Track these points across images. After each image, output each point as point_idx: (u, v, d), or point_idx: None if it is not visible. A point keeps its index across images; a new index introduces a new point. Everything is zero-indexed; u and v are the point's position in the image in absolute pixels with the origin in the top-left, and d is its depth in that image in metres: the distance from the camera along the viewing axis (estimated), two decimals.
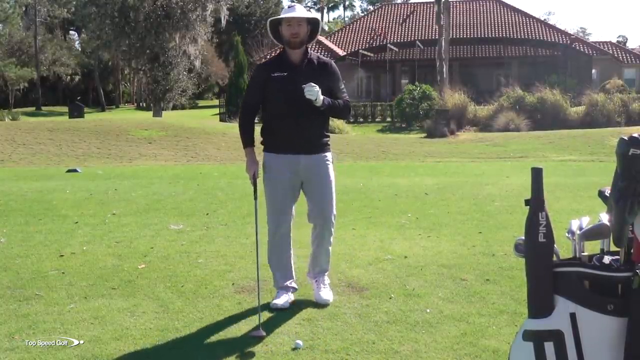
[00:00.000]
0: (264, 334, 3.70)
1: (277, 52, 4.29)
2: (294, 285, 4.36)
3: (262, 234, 4.28)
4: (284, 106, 4.09)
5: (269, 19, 4.19)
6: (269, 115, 4.21)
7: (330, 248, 4.38)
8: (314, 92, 3.93)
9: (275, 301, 4.20)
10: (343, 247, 5.75)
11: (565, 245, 2.86)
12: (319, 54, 4.25)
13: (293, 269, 4.40)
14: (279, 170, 4.16)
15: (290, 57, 4.13)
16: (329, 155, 4.26)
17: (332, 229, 4.31)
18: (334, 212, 4.26)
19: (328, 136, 4.30)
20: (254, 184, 4.17)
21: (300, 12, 4.09)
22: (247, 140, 4.22)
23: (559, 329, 2.52)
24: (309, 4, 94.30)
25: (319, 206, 4.21)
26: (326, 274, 4.41)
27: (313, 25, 4.14)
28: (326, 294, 4.30)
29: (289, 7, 4.17)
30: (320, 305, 4.20)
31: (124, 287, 4.70)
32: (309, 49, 4.18)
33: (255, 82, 4.23)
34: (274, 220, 4.24)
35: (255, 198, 4.19)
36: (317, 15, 4.23)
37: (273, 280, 4.39)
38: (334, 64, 4.28)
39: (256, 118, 4.31)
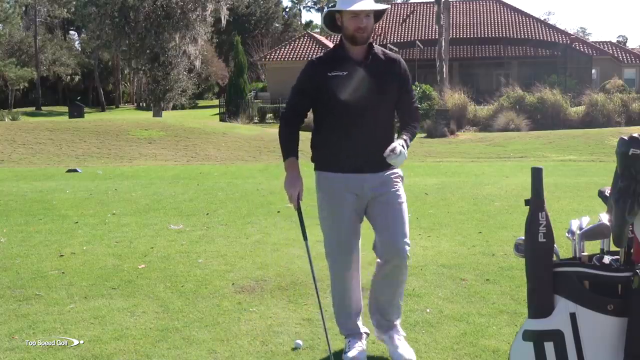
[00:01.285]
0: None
1: (334, 46, 3.45)
2: (365, 330, 3.53)
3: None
4: (343, 113, 3.27)
5: (327, 10, 3.31)
6: (323, 124, 3.37)
7: (403, 291, 3.47)
8: (400, 161, 3.09)
9: (348, 354, 3.35)
10: None
11: (565, 245, 2.86)
12: (383, 47, 3.42)
13: (362, 311, 3.56)
14: (339, 196, 3.32)
15: (350, 53, 3.28)
16: (399, 171, 3.40)
17: (406, 262, 3.33)
18: (408, 241, 3.31)
19: None
20: (299, 211, 3.30)
21: (368, 3, 3.22)
22: (290, 148, 3.32)
23: (559, 329, 2.52)
24: (309, 4, 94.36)
25: (389, 236, 3.27)
26: (398, 321, 3.48)
27: (377, 15, 3.32)
28: (406, 349, 3.35)
29: None
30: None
31: (124, 287, 4.70)
32: (373, 42, 3.35)
33: (306, 81, 3.33)
34: (337, 260, 3.38)
35: (305, 238, 3.30)
36: (387, 6, 3.39)
37: (338, 325, 3.54)
38: (403, 60, 3.42)
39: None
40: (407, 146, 3.19)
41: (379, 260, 3.38)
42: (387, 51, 3.41)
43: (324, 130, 3.36)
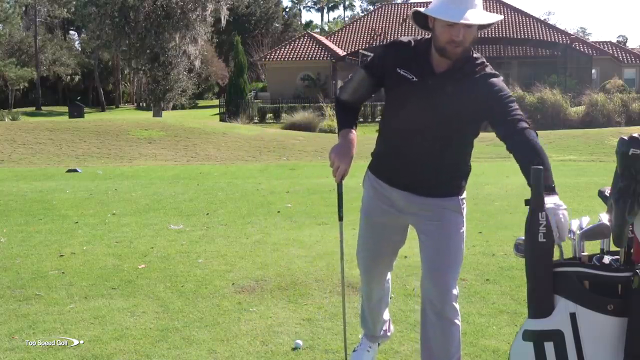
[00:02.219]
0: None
1: (422, 38, 2.75)
2: (382, 334, 3.29)
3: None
4: (397, 125, 2.79)
5: (415, 10, 2.64)
6: (381, 131, 2.93)
7: (455, 349, 2.84)
8: (564, 224, 2.39)
9: (355, 352, 3.27)
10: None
11: (565, 245, 2.86)
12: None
13: (385, 316, 3.27)
14: (379, 199, 2.91)
15: (432, 58, 2.65)
16: (460, 199, 2.83)
17: (454, 311, 2.79)
18: (456, 287, 2.80)
19: (464, 177, 2.86)
20: (339, 188, 2.91)
21: (476, 14, 2.52)
22: (344, 120, 2.86)
23: (559, 329, 2.52)
24: (309, 4, 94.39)
25: (432, 272, 2.79)
26: None
27: (482, 25, 2.61)
28: None
29: None
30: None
31: (124, 287, 4.70)
32: (471, 52, 2.65)
33: (372, 66, 2.80)
34: (361, 259, 3.06)
35: (341, 219, 3.02)
36: (499, 17, 2.63)
37: (361, 321, 3.30)
38: (499, 80, 2.64)
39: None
40: (552, 178, 2.49)
41: (422, 304, 2.86)
42: (486, 68, 2.65)
43: (380, 139, 2.92)
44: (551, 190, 2.50)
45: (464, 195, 2.84)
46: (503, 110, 2.57)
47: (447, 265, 2.80)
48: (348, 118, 2.87)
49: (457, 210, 2.81)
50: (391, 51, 2.74)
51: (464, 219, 2.85)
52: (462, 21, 2.47)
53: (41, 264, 5.39)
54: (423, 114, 2.66)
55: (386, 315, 3.25)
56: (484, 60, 2.67)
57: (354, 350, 3.29)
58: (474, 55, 2.66)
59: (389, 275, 3.14)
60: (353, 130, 2.82)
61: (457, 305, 2.80)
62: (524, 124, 2.54)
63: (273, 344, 3.59)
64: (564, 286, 2.54)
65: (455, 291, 2.78)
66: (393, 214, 2.88)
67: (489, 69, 2.66)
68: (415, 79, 2.65)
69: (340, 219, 3.01)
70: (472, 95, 2.61)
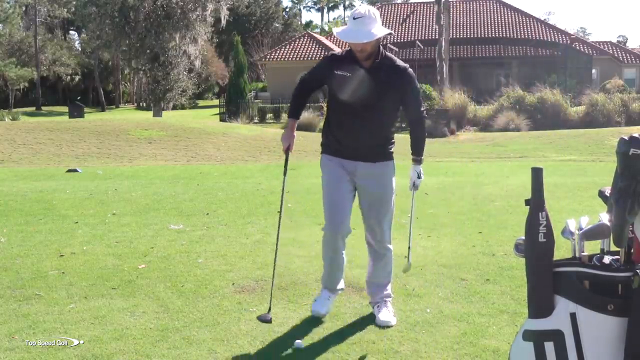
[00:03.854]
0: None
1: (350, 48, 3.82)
2: (341, 286, 4.10)
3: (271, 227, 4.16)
4: (341, 110, 3.80)
5: (337, 34, 3.75)
6: (329, 117, 3.95)
7: (391, 269, 4.09)
8: (416, 176, 3.89)
9: (315, 302, 4.03)
10: None
11: (565, 245, 2.86)
12: (393, 55, 3.85)
13: (342, 272, 4.09)
14: (335, 169, 3.91)
15: (358, 57, 3.73)
16: (391, 164, 3.95)
17: (389, 249, 4.02)
18: (390, 234, 4.00)
19: (392, 143, 3.98)
20: (286, 158, 3.98)
21: (364, 34, 3.58)
22: (292, 110, 3.95)
23: (559, 329, 2.52)
24: (309, 4, 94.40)
25: (371, 224, 3.93)
26: (388, 289, 4.08)
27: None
28: (386, 315, 3.91)
29: (354, 17, 3.65)
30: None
31: (124, 287, 4.70)
32: (381, 51, 3.76)
33: (318, 68, 3.93)
34: (330, 213, 3.90)
35: (285, 173, 4.03)
36: (386, 31, 3.68)
37: (322, 277, 4.13)
38: (409, 71, 3.78)
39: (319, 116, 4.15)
40: (422, 154, 3.91)
41: (366, 245, 4.02)
42: (396, 61, 3.75)
43: (328, 122, 3.93)
44: (417, 162, 3.93)
45: (393, 159, 3.94)
46: (411, 98, 3.80)
47: (383, 214, 3.90)
48: (294, 110, 3.95)
49: (391, 171, 3.91)
50: (326, 62, 3.88)
51: (394, 178, 3.94)
52: (354, 41, 3.61)
53: (41, 264, 5.38)
54: (358, 99, 3.68)
55: (342, 272, 4.08)
56: (396, 58, 3.78)
57: (314, 301, 4.02)
58: (387, 54, 3.76)
59: (347, 238, 3.97)
60: (294, 121, 3.93)
61: (390, 246, 4.00)
62: (423, 114, 3.90)
63: (273, 344, 3.59)
64: (564, 286, 2.54)
65: (388, 233, 3.94)
66: (345, 175, 3.85)
67: (401, 63, 3.76)
68: (348, 74, 3.68)
69: (284, 174, 4.01)
70: (390, 82, 3.69)
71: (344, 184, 3.86)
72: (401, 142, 4.57)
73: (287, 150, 3.90)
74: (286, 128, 3.93)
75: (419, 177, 3.92)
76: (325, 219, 3.93)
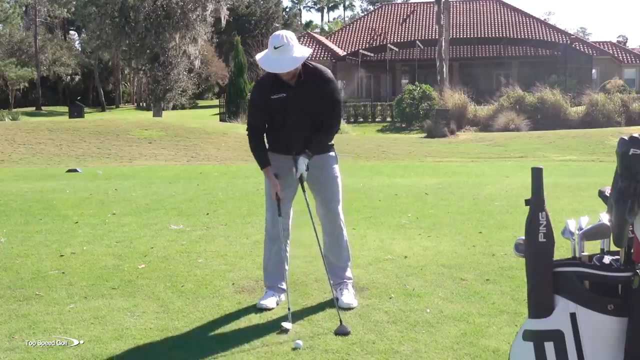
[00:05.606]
0: (290, 327, 3.78)
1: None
2: (283, 286, 4.30)
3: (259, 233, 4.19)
4: (281, 121, 4.17)
5: (261, 64, 4.03)
6: (270, 126, 4.28)
7: (347, 245, 4.39)
8: (304, 168, 4.11)
9: (261, 301, 4.22)
10: None
11: (565, 245, 2.86)
12: (312, 60, 4.19)
13: (286, 270, 4.33)
14: (279, 169, 4.21)
15: (285, 78, 4.07)
16: (332, 153, 4.35)
17: (341, 228, 4.33)
18: (340, 205, 4.32)
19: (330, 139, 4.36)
20: (278, 205, 4.19)
21: (288, 61, 3.93)
22: (263, 161, 4.21)
23: (559, 329, 2.52)
24: (309, 4, 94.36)
25: (324, 201, 4.30)
26: (348, 271, 4.40)
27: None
28: (348, 297, 4.24)
29: (275, 46, 3.93)
30: (343, 308, 4.11)
31: (124, 287, 4.70)
32: (305, 65, 4.12)
33: (257, 105, 4.23)
34: (272, 210, 4.27)
35: (280, 215, 4.22)
36: (307, 52, 4.04)
37: (264, 278, 4.42)
38: (327, 73, 4.21)
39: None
40: (316, 150, 4.16)
41: (321, 226, 4.36)
42: (316, 67, 4.15)
43: (270, 129, 4.27)
44: (307, 155, 4.12)
45: (334, 150, 4.35)
46: (329, 108, 4.17)
47: (331, 197, 4.28)
48: (263, 157, 4.20)
49: (334, 158, 4.34)
50: (260, 91, 4.18)
51: (337, 165, 4.36)
52: (280, 72, 3.97)
53: (41, 264, 5.38)
54: (295, 111, 4.10)
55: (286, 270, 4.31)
56: (322, 70, 4.15)
57: (260, 300, 4.21)
58: (309, 66, 4.12)
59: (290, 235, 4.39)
60: (270, 167, 4.19)
61: (343, 225, 4.34)
62: (334, 122, 4.23)
63: (273, 344, 3.59)
64: (564, 286, 2.54)
65: (340, 214, 4.31)
66: (289, 175, 4.17)
67: (327, 75, 4.17)
68: (283, 95, 4.07)
69: (279, 215, 4.21)
70: (316, 93, 4.11)
71: (288, 186, 4.27)
72: (338, 141, 4.59)
73: (277, 199, 4.17)
74: (266, 179, 4.22)
75: (307, 170, 4.15)
76: (266, 220, 4.35)
